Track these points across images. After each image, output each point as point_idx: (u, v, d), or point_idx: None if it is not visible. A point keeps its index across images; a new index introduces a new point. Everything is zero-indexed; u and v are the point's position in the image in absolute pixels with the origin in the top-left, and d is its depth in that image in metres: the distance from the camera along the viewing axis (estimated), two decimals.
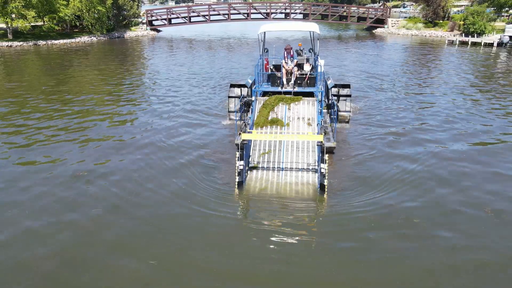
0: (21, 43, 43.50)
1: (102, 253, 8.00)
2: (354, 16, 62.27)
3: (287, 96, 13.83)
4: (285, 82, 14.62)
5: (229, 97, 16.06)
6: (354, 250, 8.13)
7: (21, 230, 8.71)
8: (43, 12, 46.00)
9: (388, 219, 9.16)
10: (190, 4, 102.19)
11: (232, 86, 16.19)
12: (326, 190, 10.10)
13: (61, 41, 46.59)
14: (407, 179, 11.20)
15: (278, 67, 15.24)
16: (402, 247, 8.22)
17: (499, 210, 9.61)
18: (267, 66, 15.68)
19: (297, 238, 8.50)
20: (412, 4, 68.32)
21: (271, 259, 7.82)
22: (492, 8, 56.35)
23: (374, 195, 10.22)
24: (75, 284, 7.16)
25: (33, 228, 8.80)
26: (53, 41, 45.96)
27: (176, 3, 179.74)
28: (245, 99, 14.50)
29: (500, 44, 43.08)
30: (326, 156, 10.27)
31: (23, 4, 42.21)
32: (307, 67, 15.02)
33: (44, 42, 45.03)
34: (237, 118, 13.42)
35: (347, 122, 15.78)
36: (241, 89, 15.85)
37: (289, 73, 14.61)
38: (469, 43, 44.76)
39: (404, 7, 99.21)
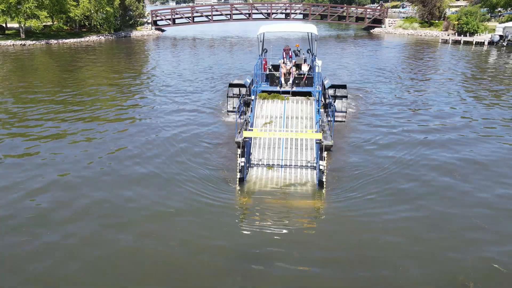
0: (33, 42, 45.54)
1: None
2: (353, 16, 64.03)
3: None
4: (283, 81, 14.88)
5: (228, 96, 16.29)
6: (351, 234, 9.04)
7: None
8: (54, 12, 48.12)
9: (384, 211, 9.82)
10: (191, 4, 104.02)
11: (231, 85, 16.36)
12: (324, 186, 10.63)
13: (71, 40, 48.68)
14: (401, 172, 11.91)
15: (276, 67, 15.67)
16: (396, 222, 9.44)
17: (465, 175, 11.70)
18: (266, 66, 15.99)
19: (297, 226, 9.25)
20: (410, 4, 70.08)
21: (272, 247, 8.56)
22: (485, 9, 58.24)
23: (371, 190, 10.76)
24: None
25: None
26: (63, 40, 48.05)
27: (176, 3, 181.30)
28: (244, 98, 14.68)
29: (491, 43, 44.99)
30: (324, 154, 10.75)
31: (36, 4, 44.27)
32: (305, 67, 15.32)
33: (55, 41, 47.09)
34: (237, 117, 13.45)
35: (344, 121, 16.12)
36: (239, 89, 16.09)
37: (288, 73, 14.95)
38: (462, 42, 46.70)
39: (403, 8, 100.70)
